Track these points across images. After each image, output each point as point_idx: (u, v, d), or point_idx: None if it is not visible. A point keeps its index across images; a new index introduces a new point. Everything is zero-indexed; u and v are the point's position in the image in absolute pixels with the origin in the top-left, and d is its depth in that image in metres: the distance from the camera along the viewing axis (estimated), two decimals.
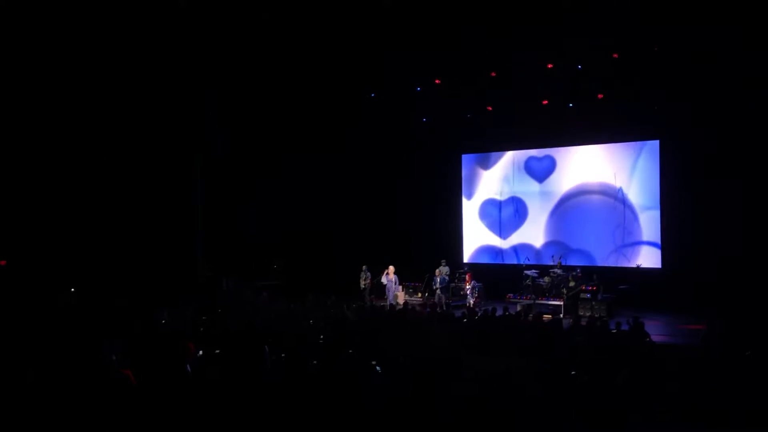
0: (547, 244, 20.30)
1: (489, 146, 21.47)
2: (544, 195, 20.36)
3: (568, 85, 17.57)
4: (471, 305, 17.03)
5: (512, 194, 21.03)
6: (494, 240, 21.43)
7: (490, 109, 19.30)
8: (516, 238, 21.00)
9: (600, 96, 17.59)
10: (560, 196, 20.07)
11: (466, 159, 22.15)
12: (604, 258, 19.06)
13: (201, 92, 18.80)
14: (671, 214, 17.92)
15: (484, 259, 21.65)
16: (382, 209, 22.06)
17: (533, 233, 20.61)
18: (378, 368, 7.03)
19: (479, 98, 19.02)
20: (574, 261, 18.87)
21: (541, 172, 20.49)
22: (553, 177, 20.22)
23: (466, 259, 21.78)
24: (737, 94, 15.44)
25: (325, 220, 21.67)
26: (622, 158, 18.94)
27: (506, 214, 21.22)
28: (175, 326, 11.02)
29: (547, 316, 13.95)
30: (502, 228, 21.30)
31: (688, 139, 17.30)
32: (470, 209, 22.02)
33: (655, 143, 18.35)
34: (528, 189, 20.71)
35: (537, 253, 20.42)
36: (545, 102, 18.41)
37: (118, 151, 18.00)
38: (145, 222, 18.33)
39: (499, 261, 21.32)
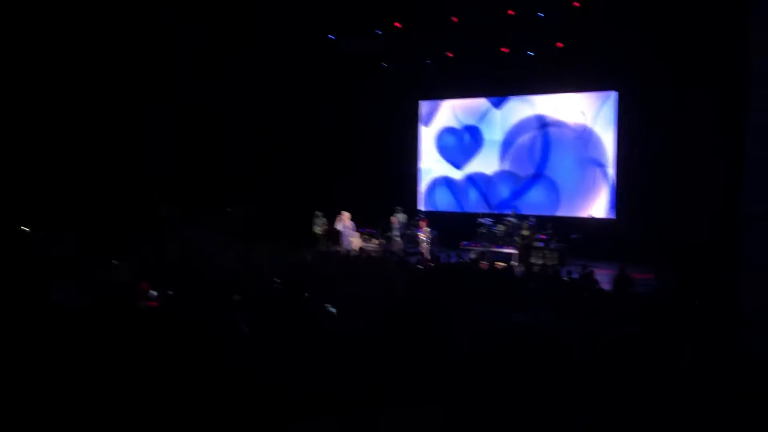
0: (501, 174, 20.56)
1: (447, 93, 21.38)
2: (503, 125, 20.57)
3: (529, 34, 17.46)
4: (426, 252, 17.16)
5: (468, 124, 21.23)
6: (451, 172, 21.65)
7: (450, 55, 19.16)
8: (471, 168, 21.26)
9: (559, 45, 17.58)
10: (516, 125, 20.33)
11: (423, 105, 22.07)
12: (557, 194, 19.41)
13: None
14: (626, 165, 18.16)
15: (440, 195, 21.88)
16: (338, 153, 21.85)
17: (488, 162, 20.87)
18: (332, 310, 7.06)
19: (439, 44, 18.83)
20: (528, 202, 19.11)
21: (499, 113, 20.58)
22: (512, 116, 20.38)
23: (421, 206, 21.86)
24: (695, 46, 15.51)
25: (276, 165, 21.36)
26: (581, 108, 19.05)
27: (462, 143, 21.40)
28: (127, 266, 10.85)
29: (500, 264, 14.12)
30: (457, 159, 21.49)
31: (646, 91, 17.38)
32: (427, 145, 22.15)
33: (613, 94, 18.48)
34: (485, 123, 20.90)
35: (488, 180, 20.72)
36: (505, 50, 18.32)
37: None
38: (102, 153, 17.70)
39: (454, 197, 21.56)
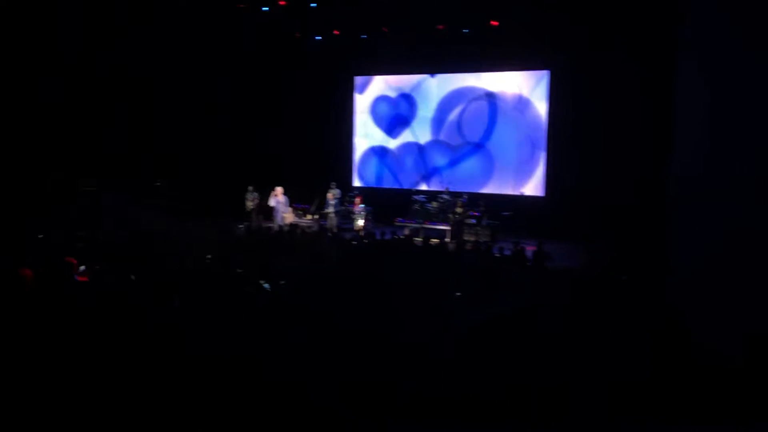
0: (434, 144, 20.71)
1: (382, 69, 21.29)
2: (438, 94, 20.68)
3: (465, 12, 17.49)
4: (360, 228, 17.13)
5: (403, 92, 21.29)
6: (386, 141, 21.71)
7: (386, 30, 19.06)
8: (405, 138, 21.37)
9: (494, 23, 17.69)
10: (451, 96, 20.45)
11: (358, 81, 21.94)
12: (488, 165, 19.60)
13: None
14: (557, 144, 18.47)
15: (374, 167, 21.88)
16: (271, 129, 21.55)
17: (422, 132, 21.00)
18: (266, 285, 6.94)
19: (375, 20, 18.68)
20: (462, 174, 19.26)
21: (435, 91, 20.62)
22: (447, 86, 20.47)
23: (355, 182, 21.81)
24: (625, 26, 15.80)
25: (210, 139, 20.90)
26: (513, 86, 19.24)
27: (396, 112, 21.47)
28: (53, 241, 10.48)
29: (434, 240, 14.20)
30: (391, 128, 21.54)
31: (577, 71, 17.66)
32: (362, 117, 22.12)
33: (546, 73, 18.71)
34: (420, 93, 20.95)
35: (421, 149, 20.86)
36: (441, 27, 18.33)
37: None
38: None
39: (388, 168, 21.61)
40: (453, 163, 20.30)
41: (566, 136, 18.10)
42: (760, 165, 5.05)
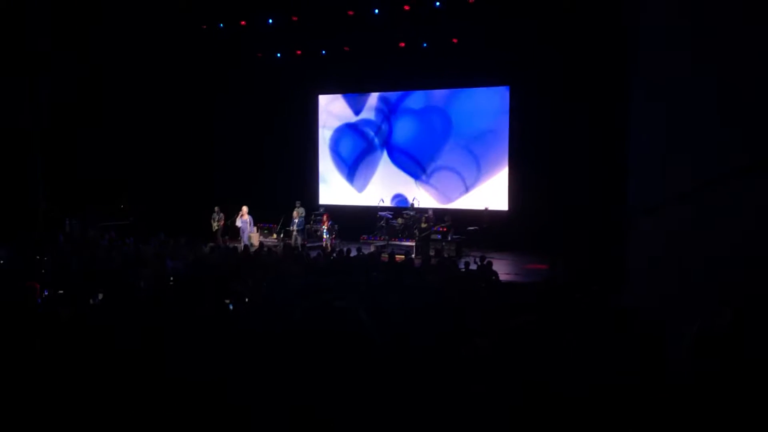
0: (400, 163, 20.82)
1: (347, 87, 21.40)
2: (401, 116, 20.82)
3: (425, 28, 17.70)
4: (327, 246, 17.14)
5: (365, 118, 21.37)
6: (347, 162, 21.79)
7: (347, 49, 19.20)
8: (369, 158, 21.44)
9: (454, 40, 17.93)
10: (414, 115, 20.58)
11: (322, 99, 22.01)
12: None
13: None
14: (518, 159, 18.70)
15: (339, 183, 21.88)
16: (235, 149, 21.53)
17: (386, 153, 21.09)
18: (230, 306, 6.94)
19: (337, 38, 18.82)
20: (427, 192, 19.38)
21: (399, 109, 20.76)
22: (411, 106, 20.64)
23: (321, 200, 21.81)
24: (582, 42, 16.07)
25: (173, 159, 20.81)
26: (475, 102, 19.46)
27: (359, 136, 21.53)
28: (13, 266, 10.35)
29: (399, 257, 14.25)
30: (353, 153, 21.61)
31: (536, 85, 17.92)
32: (325, 139, 22.14)
33: (505, 89, 18.96)
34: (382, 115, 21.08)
35: (386, 170, 20.91)
36: (402, 44, 18.53)
37: None
38: None
39: (351, 184, 21.64)
40: (417, 177, 20.42)
41: (528, 150, 18.33)
42: (700, 174, 5.26)
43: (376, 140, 21.08)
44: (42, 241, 13.99)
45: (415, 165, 20.50)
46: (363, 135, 21.32)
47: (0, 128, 16.92)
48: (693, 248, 5.55)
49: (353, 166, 21.51)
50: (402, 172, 20.68)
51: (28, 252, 12.03)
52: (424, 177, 20.31)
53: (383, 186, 20.88)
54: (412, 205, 18.77)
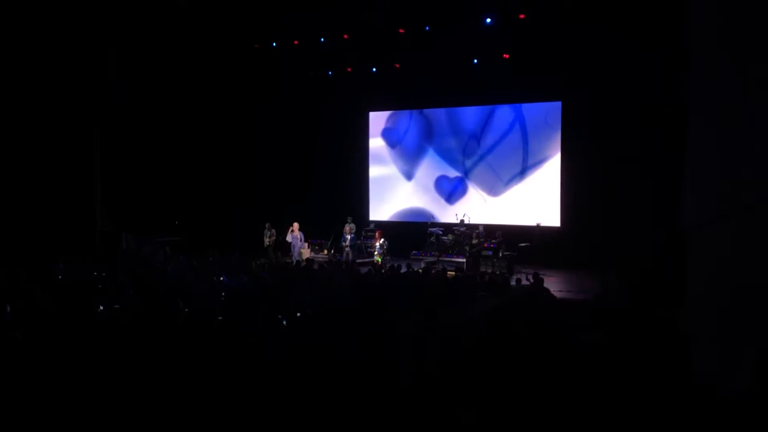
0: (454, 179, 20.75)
1: (396, 104, 21.49)
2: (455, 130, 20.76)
3: (475, 44, 17.70)
4: (378, 262, 17.17)
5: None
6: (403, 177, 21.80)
7: (398, 66, 19.32)
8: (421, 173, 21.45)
9: (506, 56, 17.88)
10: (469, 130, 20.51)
11: (373, 116, 22.14)
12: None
13: (99, 43, 17.66)
14: (571, 175, 18.48)
15: (392, 202, 21.89)
16: (286, 165, 21.78)
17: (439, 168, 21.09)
18: (284, 321, 7.02)
19: (387, 55, 18.96)
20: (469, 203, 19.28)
21: (451, 126, 20.75)
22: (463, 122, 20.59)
23: (372, 216, 21.88)
24: (633, 58, 15.85)
25: (227, 176, 21.21)
26: (526, 118, 19.34)
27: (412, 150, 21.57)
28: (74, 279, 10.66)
29: (450, 273, 14.20)
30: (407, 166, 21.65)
31: (589, 102, 17.68)
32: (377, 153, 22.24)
33: (558, 104, 18.79)
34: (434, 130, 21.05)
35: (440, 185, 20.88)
36: (452, 61, 18.57)
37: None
38: (36, 173, 17.15)
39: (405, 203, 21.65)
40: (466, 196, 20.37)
41: (580, 166, 18.11)
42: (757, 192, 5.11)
43: (427, 151, 21.14)
44: (100, 257, 14.35)
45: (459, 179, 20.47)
46: (414, 148, 21.38)
47: (58, 145, 17.40)
48: (748, 266, 5.38)
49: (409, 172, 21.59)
50: (455, 182, 20.63)
51: (86, 268, 12.36)
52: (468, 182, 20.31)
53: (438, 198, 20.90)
54: (462, 221, 18.67)
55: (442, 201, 20.85)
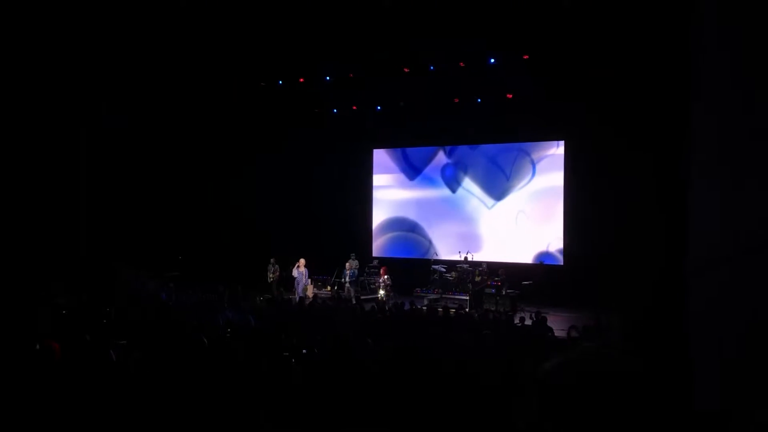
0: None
1: (400, 141, 21.69)
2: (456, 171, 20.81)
3: (479, 83, 17.87)
4: (382, 299, 17.16)
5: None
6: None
7: (402, 104, 19.52)
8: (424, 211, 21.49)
9: (509, 96, 18.06)
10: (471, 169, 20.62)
11: (377, 153, 22.31)
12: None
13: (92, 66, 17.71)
14: (574, 213, 18.55)
15: (394, 240, 21.94)
16: (289, 201, 21.85)
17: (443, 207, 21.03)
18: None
19: (391, 93, 19.17)
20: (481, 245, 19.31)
21: (451, 171, 20.90)
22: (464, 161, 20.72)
23: (375, 252, 21.91)
24: (637, 97, 15.96)
25: (230, 210, 21.26)
26: (528, 156, 19.49)
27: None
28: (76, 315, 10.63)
29: (453, 310, 14.17)
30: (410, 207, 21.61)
31: (592, 141, 17.84)
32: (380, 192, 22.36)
33: (560, 143, 18.95)
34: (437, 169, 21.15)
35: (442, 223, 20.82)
36: (456, 100, 18.75)
37: None
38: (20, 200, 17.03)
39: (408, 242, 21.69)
40: (471, 234, 20.41)
41: (583, 205, 18.17)
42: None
43: (431, 187, 21.25)
44: (105, 292, 14.30)
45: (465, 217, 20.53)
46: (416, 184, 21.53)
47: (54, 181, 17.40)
48: (756, 306, 5.40)
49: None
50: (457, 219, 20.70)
51: (92, 303, 12.33)
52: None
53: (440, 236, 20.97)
54: (466, 258, 18.70)
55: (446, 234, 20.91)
